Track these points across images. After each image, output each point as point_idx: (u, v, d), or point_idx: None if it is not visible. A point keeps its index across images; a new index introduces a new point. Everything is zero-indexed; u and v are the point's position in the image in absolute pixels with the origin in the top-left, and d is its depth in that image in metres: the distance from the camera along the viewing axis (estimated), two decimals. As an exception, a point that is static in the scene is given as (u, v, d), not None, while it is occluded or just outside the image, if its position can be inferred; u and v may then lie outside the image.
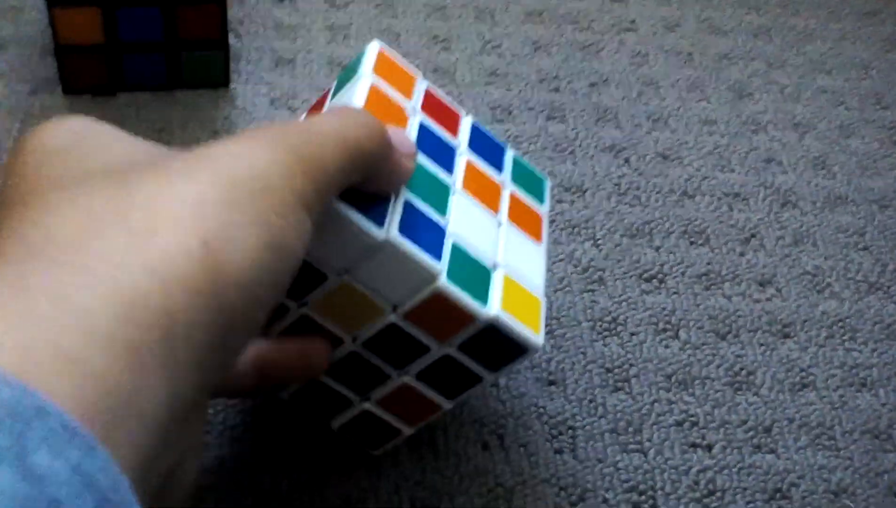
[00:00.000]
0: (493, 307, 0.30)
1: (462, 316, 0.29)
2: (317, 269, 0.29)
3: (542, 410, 0.39)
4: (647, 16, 0.59)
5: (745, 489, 0.38)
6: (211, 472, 0.35)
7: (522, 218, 0.34)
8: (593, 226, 0.46)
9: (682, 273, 0.45)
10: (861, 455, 0.40)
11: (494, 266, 0.31)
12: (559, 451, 0.38)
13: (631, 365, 0.41)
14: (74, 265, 0.18)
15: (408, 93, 0.32)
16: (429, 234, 0.29)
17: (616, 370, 0.41)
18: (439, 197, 0.31)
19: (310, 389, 0.33)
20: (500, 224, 0.33)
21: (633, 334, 0.42)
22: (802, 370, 0.42)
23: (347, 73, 0.32)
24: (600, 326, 0.42)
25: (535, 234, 0.34)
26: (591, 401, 0.40)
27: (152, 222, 0.20)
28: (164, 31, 0.45)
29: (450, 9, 0.56)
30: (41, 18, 0.50)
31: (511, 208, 0.34)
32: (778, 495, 0.38)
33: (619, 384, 0.40)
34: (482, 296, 0.30)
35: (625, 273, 0.45)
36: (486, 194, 0.33)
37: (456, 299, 0.29)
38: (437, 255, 0.29)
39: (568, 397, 0.40)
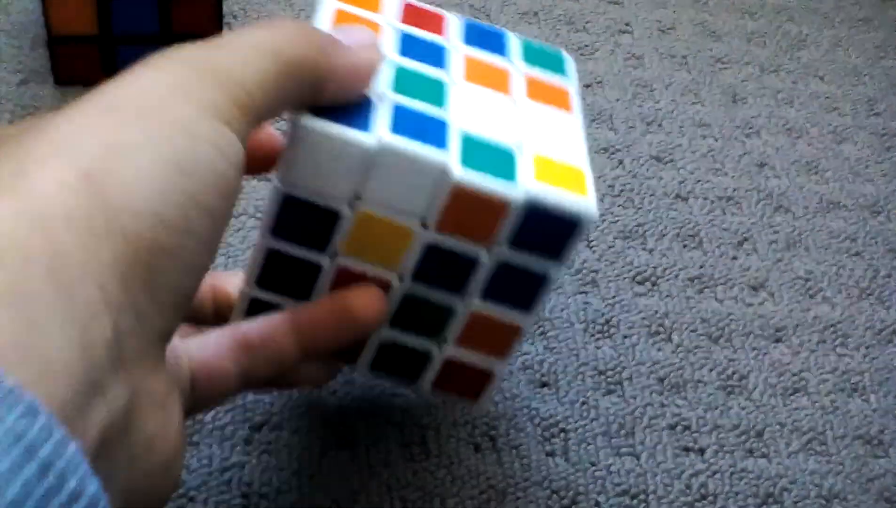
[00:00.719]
0: (525, 184, 0.26)
1: (493, 206, 0.26)
2: (325, 208, 0.26)
3: (534, 412, 0.39)
4: (642, 18, 0.59)
5: (737, 493, 0.38)
6: (199, 472, 0.35)
7: (545, 95, 0.30)
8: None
9: (675, 276, 0.45)
10: (852, 460, 0.40)
11: (518, 146, 0.27)
12: (551, 454, 0.38)
13: (624, 368, 0.41)
14: None
15: (379, 8, 0.30)
16: (428, 129, 0.26)
17: (609, 373, 0.41)
18: (434, 92, 0.28)
19: (383, 355, 0.30)
20: (516, 104, 0.29)
21: (625, 336, 0.42)
22: (794, 375, 0.42)
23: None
24: (593, 328, 0.42)
25: (564, 106, 0.30)
26: (583, 404, 0.39)
27: (23, 166, 0.18)
28: (159, 23, 0.45)
29: (444, 8, 0.56)
30: (34, 8, 0.49)
31: (529, 88, 0.30)
32: (770, 500, 0.38)
33: (612, 387, 0.40)
34: (509, 177, 0.26)
35: (618, 275, 0.44)
36: (495, 80, 0.30)
37: (479, 189, 0.26)
38: (443, 147, 0.26)
39: (560, 399, 0.39)
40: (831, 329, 0.45)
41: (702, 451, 0.39)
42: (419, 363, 0.31)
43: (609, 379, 0.40)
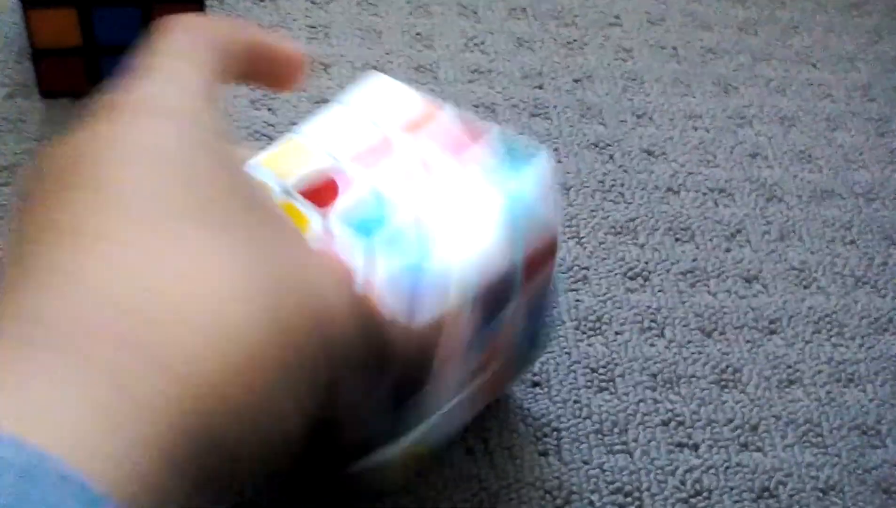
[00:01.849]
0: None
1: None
2: None
3: (526, 412, 0.39)
4: (631, 10, 0.58)
5: (732, 488, 0.38)
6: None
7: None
8: (577, 224, 0.46)
9: (667, 270, 0.45)
10: (849, 451, 0.40)
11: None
12: (544, 453, 0.37)
13: (616, 365, 0.41)
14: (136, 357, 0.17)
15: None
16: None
17: (601, 370, 0.40)
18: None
19: None
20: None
21: (617, 333, 0.42)
22: (789, 367, 0.42)
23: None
24: (585, 325, 0.42)
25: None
26: (575, 402, 0.39)
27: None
28: (142, 33, 0.45)
29: (432, 5, 0.56)
30: (17, 21, 0.49)
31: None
32: (765, 494, 0.38)
33: (604, 385, 0.40)
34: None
35: (609, 271, 0.44)
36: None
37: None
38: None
39: (552, 398, 0.39)
40: (826, 320, 0.44)
41: (696, 447, 0.39)
42: None
43: (601, 377, 0.40)
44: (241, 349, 0.19)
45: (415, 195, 0.30)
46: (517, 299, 0.32)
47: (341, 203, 0.30)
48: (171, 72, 0.23)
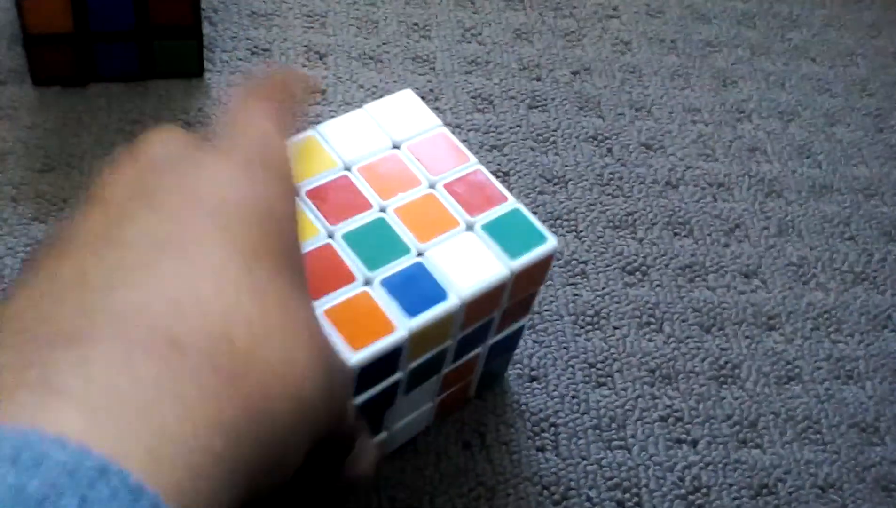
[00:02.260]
0: (505, 263, 0.32)
1: (494, 292, 0.32)
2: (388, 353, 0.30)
3: (524, 407, 0.38)
4: (629, 2, 0.58)
5: (730, 485, 0.37)
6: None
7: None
8: (575, 218, 0.45)
9: (666, 265, 0.44)
10: (848, 448, 0.40)
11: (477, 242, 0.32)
12: (542, 449, 0.37)
13: (614, 360, 0.40)
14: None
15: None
16: (420, 285, 0.31)
17: (599, 365, 0.40)
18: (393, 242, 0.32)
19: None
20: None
21: (616, 328, 0.42)
22: (788, 363, 0.42)
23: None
24: (583, 320, 0.41)
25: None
26: (573, 397, 0.39)
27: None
28: (136, 19, 0.44)
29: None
30: (9, 7, 0.48)
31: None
32: (764, 490, 0.38)
33: (603, 380, 0.40)
34: (488, 269, 0.32)
35: (607, 266, 0.44)
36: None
37: (481, 292, 0.31)
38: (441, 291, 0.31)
39: (550, 393, 0.39)
40: (825, 316, 0.44)
41: (694, 443, 0.38)
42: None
43: (599, 372, 0.40)
44: (297, 396, 0.20)
45: (417, 233, 0.32)
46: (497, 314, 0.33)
47: (349, 220, 0.31)
48: (273, 138, 0.25)
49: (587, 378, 0.40)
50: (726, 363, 0.41)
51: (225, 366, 0.19)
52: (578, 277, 0.43)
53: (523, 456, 0.37)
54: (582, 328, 0.41)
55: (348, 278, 0.30)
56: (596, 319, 0.42)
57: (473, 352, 0.34)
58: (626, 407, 0.39)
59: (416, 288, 0.30)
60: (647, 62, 0.54)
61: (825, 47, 0.58)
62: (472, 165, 0.34)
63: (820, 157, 0.51)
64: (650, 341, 0.41)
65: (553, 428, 0.38)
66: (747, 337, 0.42)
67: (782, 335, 0.43)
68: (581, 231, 0.45)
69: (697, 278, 0.44)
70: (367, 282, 0.30)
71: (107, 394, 0.17)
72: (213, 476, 0.17)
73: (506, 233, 0.32)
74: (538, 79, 0.52)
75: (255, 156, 0.24)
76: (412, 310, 0.29)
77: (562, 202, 0.46)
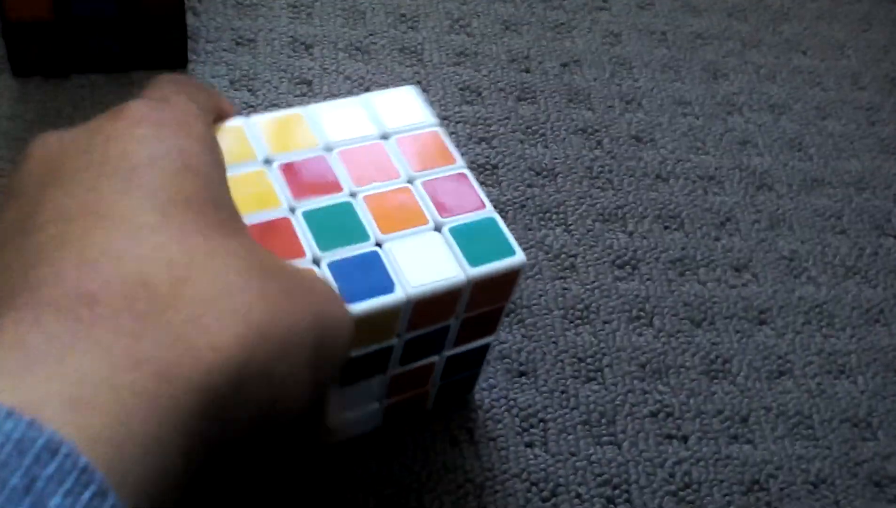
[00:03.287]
0: (463, 268, 0.30)
1: (449, 295, 0.30)
2: None
3: (512, 402, 0.38)
4: (620, -6, 0.57)
5: (721, 481, 0.37)
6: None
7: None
8: (565, 211, 0.45)
9: (656, 259, 0.44)
10: (840, 444, 0.39)
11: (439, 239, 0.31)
12: (530, 445, 0.37)
13: (604, 355, 0.40)
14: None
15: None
16: (370, 273, 0.29)
17: (588, 360, 0.40)
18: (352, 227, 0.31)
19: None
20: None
21: (605, 322, 0.41)
22: (779, 358, 0.41)
23: None
24: (572, 314, 0.41)
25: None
26: (562, 392, 0.38)
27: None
28: (119, 8, 0.43)
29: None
30: (-12, -4, 0.47)
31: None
32: (755, 487, 0.37)
33: (592, 375, 0.39)
34: (448, 268, 0.30)
35: (597, 259, 0.43)
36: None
37: (433, 292, 0.29)
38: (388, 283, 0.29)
39: (539, 388, 0.38)
40: (817, 310, 0.44)
41: (685, 438, 0.38)
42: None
43: (589, 366, 0.39)
44: (241, 324, 0.20)
45: (381, 223, 0.30)
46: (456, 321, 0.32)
47: (315, 198, 0.30)
48: (188, 107, 0.26)
49: (576, 373, 0.39)
50: (717, 357, 0.41)
51: (144, 308, 0.19)
52: (568, 271, 0.43)
53: (511, 452, 0.36)
54: (571, 322, 0.41)
55: (297, 253, 0.28)
56: (585, 313, 0.41)
57: (427, 360, 0.33)
58: (616, 402, 0.38)
59: (364, 276, 0.28)
60: (636, 54, 0.54)
61: (816, 40, 0.58)
62: (457, 167, 0.33)
63: (811, 150, 0.51)
64: (640, 335, 0.41)
65: (542, 424, 0.37)
66: (738, 331, 0.42)
67: (773, 330, 0.42)
68: (570, 224, 0.44)
69: (688, 272, 0.44)
70: (316, 261, 0.28)
71: (16, 351, 0.17)
72: (149, 419, 0.17)
73: (474, 240, 0.31)
74: (527, 71, 0.51)
75: (167, 119, 0.24)
76: (353, 296, 0.28)
77: (551, 195, 0.45)
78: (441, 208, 0.31)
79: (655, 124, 0.50)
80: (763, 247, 0.46)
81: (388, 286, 0.28)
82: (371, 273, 0.29)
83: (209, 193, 0.23)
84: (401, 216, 0.30)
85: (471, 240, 0.30)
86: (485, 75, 0.50)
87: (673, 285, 0.43)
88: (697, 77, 0.53)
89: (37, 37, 0.43)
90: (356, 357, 0.30)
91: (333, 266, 0.28)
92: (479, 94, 0.49)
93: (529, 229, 0.44)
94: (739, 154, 0.50)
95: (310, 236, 0.29)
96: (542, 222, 0.44)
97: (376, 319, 0.28)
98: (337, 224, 0.30)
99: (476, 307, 0.31)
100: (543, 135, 0.48)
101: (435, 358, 0.33)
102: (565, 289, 0.42)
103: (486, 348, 0.34)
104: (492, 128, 0.48)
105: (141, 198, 0.21)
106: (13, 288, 0.19)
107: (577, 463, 0.36)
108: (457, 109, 0.48)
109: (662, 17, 0.57)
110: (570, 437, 0.37)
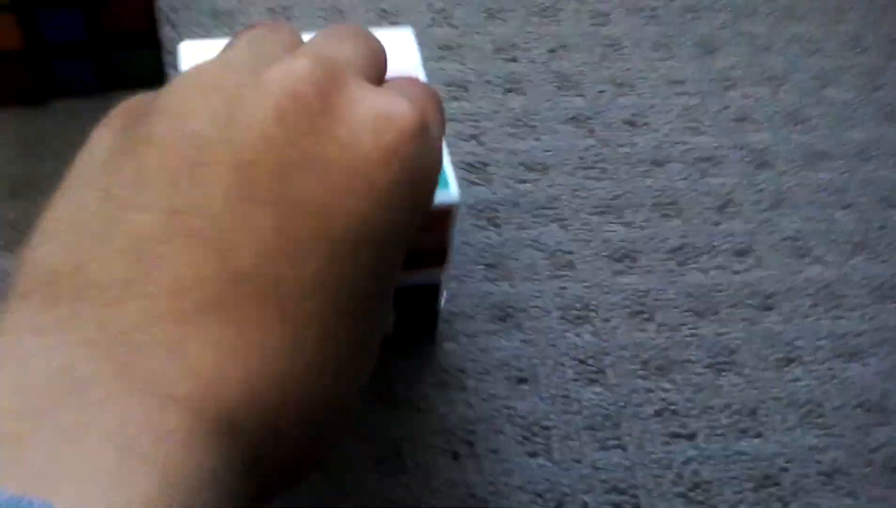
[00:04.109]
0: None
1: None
2: None
3: (513, 411, 0.37)
4: (607, -28, 0.56)
5: (731, 478, 0.36)
6: None
7: None
8: (559, 206, 0.44)
9: (655, 250, 0.43)
10: (854, 431, 0.38)
11: None
12: (533, 454, 0.36)
13: (605, 354, 0.39)
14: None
15: None
16: None
17: (590, 361, 0.39)
18: None
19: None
20: None
21: (605, 320, 0.40)
22: (787, 344, 0.40)
23: None
24: (571, 314, 0.40)
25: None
26: (564, 397, 0.37)
27: None
28: (89, 30, 0.42)
29: (397, -20, 0.53)
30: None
31: None
32: (767, 481, 0.36)
33: (594, 376, 0.38)
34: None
35: (594, 255, 0.42)
36: None
37: None
38: None
39: (540, 395, 0.37)
40: (825, 291, 0.42)
41: (692, 436, 0.37)
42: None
43: (590, 368, 0.38)
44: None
45: None
46: None
47: None
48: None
49: (578, 376, 0.38)
50: (722, 349, 0.40)
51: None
52: (564, 268, 0.41)
53: (514, 464, 0.35)
54: (570, 322, 0.40)
55: None
56: (585, 312, 0.40)
57: None
58: (620, 404, 0.37)
59: None
60: (626, 34, 0.52)
61: (813, 4, 0.56)
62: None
63: (812, 121, 0.49)
64: (642, 331, 0.40)
65: (544, 431, 0.36)
66: (743, 320, 0.41)
67: (780, 315, 0.41)
68: (565, 220, 0.43)
69: (689, 261, 0.42)
70: None
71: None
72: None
73: None
74: (514, 60, 0.50)
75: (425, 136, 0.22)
76: None
77: (544, 190, 0.44)
78: None
79: (649, 107, 0.49)
80: (766, 228, 0.44)
81: None
82: None
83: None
84: None
85: None
86: (470, 68, 0.49)
87: (674, 276, 0.42)
88: (690, 53, 0.52)
89: (9, 67, 0.43)
90: None
91: None
92: (466, 88, 0.48)
93: (523, 229, 0.43)
94: (737, 132, 0.48)
95: None
96: (536, 220, 0.43)
97: None
98: None
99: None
100: (534, 127, 0.47)
101: None
102: (563, 288, 0.41)
103: (437, 287, 0.35)
104: (480, 124, 0.47)
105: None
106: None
107: (583, 471, 0.35)
108: (444, 105, 0.47)
109: (652, -7, 0.55)
110: (574, 443, 0.36)
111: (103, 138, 0.21)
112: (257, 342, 0.18)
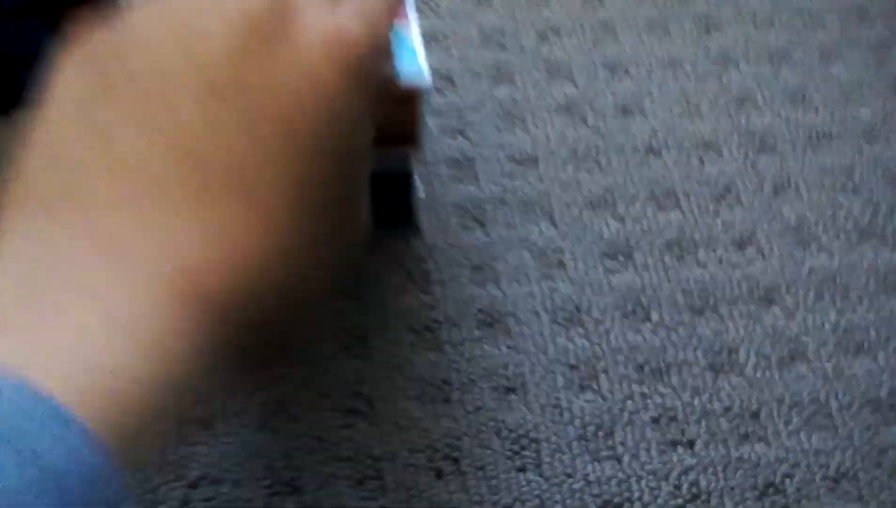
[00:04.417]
0: None
1: None
2: None
3: (500, 424, 0.35)
4: (599, -51, 0.53)
5: (732, 487, 0.34)
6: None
7: None
8: (549, 201, 0.42)
9: (651, 244, 0.41)
10: (861, 431, 0.36)
11: None
12: (522, 469, 0.34)
13: (598, 359, 0.37)
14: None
15: None
16: None
17: (582, 367, 0.37)
18: None
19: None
20: None
21: (598, 321, 0.38)
22: (790, 341, 0.38)
23: None
24: (562, 316, 0.38)
25: None
26: (555, 406, 0.36)
27: None
28: (51, 40, 0.41)
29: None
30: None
31: None
32: (770, 489, 0.34)
33: (586, 383, 0.37)
34: None
35: (586, 252, 0.40)
36: None
37: None
38: None
39: (529, 405, 0.36)
40: (830, 282, 0.40)
41: (691, 443, 0.35)
42: None
43: (582, 374, 0.37)
44: None
45: None
46: None
47: None
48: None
49: (569, 383, 0.36)
50: (722, 348, 0.38)
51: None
52: (555, 268, 0.40)
53: (502, 480, 0.34)
54: (561, 325, 0.38)
55: None
56: (576, 314, 0.38)
57: None
58: (614, 412, 0.36)
59: None
60: (620, 15, 0.50)
61: (817, -25, 0.53)
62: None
63: (816, 101, 0.47)
64: (637, 332, 0.38)
65: (534, 444, 0.35)
66: (744, 316, 0.39)
67: (782, 310, 0.39)
68: (555, 215, 0.41)
69: (686, 255, 0.41)
70: None
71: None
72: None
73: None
74: (502, 47, 0.48)
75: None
76: None
77: (533, 185, 0.42)
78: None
79: (644, 92, 0.47)
80: (767, 217, 0.42)
81: None
82: None
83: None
84: None
85: None
86: (456, 58, 0.47)
87: (670, 272, 0.40)
88: (688, 33, 0.50)
89: (-27, 77, 0.41)
90: None
91: None
92: (452, 80, 0.46)
93: (511, 227, 0.41)
94: (737, 114, 0.46)
95: None
96: (525, 217, 0.41)
97: None
98: None
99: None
100: (523, 119, 0.45)
101: None
102: (553, 289, 0.39)
103: (407, 174, 0.37)
104: (466, 117, 0.45)
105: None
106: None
107: (575, 485, 0.34)
108: (427, 98, 0.45)
109: (646, -30, 0.53)
110: (566, 456, 0.35)
111: (77, 77, 0.23)
112: (229, 227, 0.21)
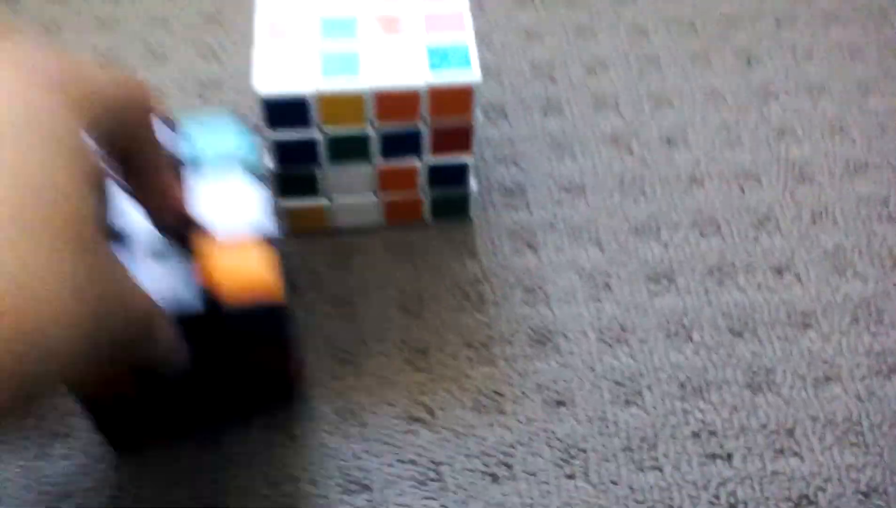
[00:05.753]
0: (424, 76, 0.37)
1: (409, 96, 0.37)
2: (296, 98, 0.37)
3: (551, 434, 0.38)
4: (645, -15, 0.56)
5: (768, 498, 0.37)
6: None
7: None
8: (596, 228, 0.45)
9: (693, 269, 0.43)
10: (892, 449, 0.38)
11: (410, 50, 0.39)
12: (571, 476, 0.37)
13: (642, 376, 0.40)
14: None
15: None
16: (347, 63, 0.38)
17: (627, 384, 0.39)
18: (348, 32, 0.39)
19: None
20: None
21: (642, 341, 0.41)
22: (826, 363, 0.41)
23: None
24: (608, 336, 0.41)
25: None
26: (602, 419, 0.38)
27: None
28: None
29: None
30: None
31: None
32: (804, 501, 0.37)
33: (631, 398, 0.39)
34: (412, 74, 0.38)
35: (631, 275, 0.43)
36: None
37: (394, 89, 0.37)
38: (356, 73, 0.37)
39: (577, 417, 0.38)
40: (864, 307, 0.42)
41: (729, 457, 0.38)
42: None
43: (627, 390, 0.39)
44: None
45: (369, 28, 0.39)
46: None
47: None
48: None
49: (615, 398, 0.39)
50: (760, 368, 0.40)
51: None
52: (602, 290, 0.42)
53: (552, 486, 0.36)
54: (607, 344, 0.41)
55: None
56: (622, 333, 0.41)
57: (407, 161, 0.39)
58: (657, 426, 0.38)
59: (336, 63, 0.37)
60: (665, 48, 0.53)
61: (855, 8, 0.56)
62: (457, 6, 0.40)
63: (854, 133, 0.49)
64: (679, 352, 0.41)
65: (582, 454, 0.37)
66: (781, 339, 0.41)
67: (818, 333, 0.41)
68: (602, 241, 0.44)
69: (727, 280, 0.43)
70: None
71: None
72: None
73: (443, 57, 0.37)
74: (552, 80, 0.51)
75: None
76: (324, 73, 0.36)
77: (582, 212, 0.45)
78: (426, 26, 0.39)
79: (688, 123, 0.49)
80: (805, 244, 0.45)
81: (353, 72, 0.37)
82: (342, 62, 0.37)
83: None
84: (388, 26, 0.38)
85: (441, 56, 0.37)
86: (509, 90, 0.50)
87: (711, 296, 0.42)
88: (730, 65, 0.52)
89: None
90: (337, 137, 0.38)
91: (325, 57, 0.37)
92: (504, 112, 0.49)
93: (561, 251, 0.43)
94: (777, 145, 0.48)
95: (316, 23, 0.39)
96: (574, 242, 0.44)
97: (342, 99, 0.36)
98: (334, 21, 0.39)
99: (439, 115, 0.38)
100: (571, 149, 0.48)
101: (415, 162, 0.40)
102: (600, 310, 0.42)
103: (465, 167, 0.41)
104: (518, 147, 0.48)
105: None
106: None
107: (620, 492, 0.36)
108: (481, 130, 0.48)
109: (689, 5, 0.55)
110: (612, 465, 0.37)
111: None
112: None
